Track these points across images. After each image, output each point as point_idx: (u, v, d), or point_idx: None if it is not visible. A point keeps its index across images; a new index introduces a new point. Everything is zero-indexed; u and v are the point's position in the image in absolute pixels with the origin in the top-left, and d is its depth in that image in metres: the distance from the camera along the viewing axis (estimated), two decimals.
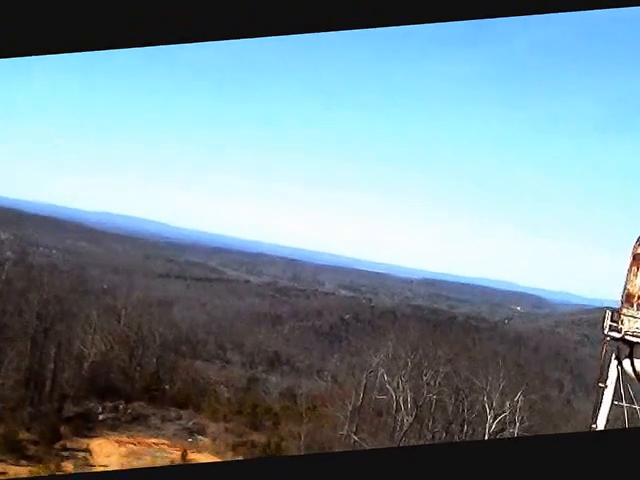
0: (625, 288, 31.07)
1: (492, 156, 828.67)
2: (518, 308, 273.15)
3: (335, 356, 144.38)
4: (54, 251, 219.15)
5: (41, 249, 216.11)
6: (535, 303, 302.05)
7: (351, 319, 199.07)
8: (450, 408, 59.17)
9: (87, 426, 63.29)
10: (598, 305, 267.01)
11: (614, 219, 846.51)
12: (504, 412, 52.14)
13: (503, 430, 51.28)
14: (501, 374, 52.81)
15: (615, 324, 30.64)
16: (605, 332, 31.04)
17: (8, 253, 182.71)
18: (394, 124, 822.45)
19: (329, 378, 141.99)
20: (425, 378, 56.00)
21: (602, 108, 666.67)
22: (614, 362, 31.77)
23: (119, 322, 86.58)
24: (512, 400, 51.96)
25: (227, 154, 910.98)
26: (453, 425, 58.69)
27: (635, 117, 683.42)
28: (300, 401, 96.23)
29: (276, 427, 72.80)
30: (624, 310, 30.87)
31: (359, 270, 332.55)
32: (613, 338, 30.92)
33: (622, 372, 31.43)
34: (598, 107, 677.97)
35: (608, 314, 31.05)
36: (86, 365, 73.76)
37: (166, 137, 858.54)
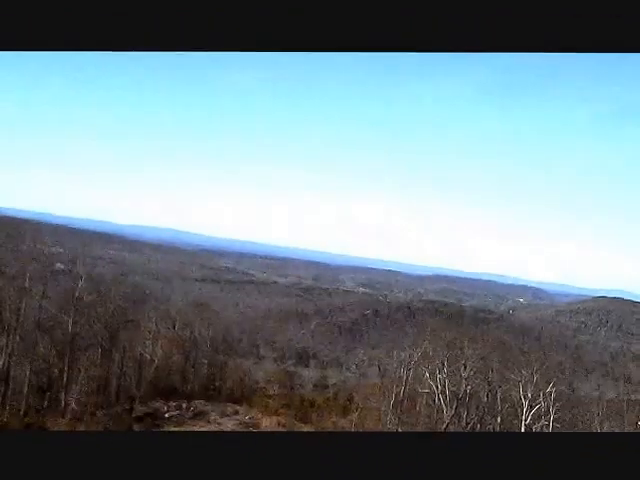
0: None
1: (492, 157, 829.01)
2: (521, 300, 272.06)
3: (361, 351, 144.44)
4: (99, 261, 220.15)
5: (88, 259, 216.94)
6: (535, 294, 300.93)
7: (371, 315, 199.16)
8: (484, 399, 59.24)
9: (155, 423, 63.88)
10: (592, 295, 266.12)
11: (603, 215, 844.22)
12: (539, 403, 52.19)
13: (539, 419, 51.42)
14: (534, 369, 52.82)
15: None
16: None
17: (58, 264, 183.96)
18: (398, 136, 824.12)
19: (355, 370, 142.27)
20: (463, 374, 56.12)
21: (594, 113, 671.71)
22: None
23: (174, 328, 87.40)
24: (544, 392, 51.99)
25: (248, 167, 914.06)
26: (487, 416, 58.66)
27: (625, 123, 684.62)
28: (334, 392, 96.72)
29: (321, 419, 73.04)
30: None
31: (374, 269, 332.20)
32: None
33: None
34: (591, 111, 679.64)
35: None
36: (149, 369, 74.42)
37: (194, 152, 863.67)
